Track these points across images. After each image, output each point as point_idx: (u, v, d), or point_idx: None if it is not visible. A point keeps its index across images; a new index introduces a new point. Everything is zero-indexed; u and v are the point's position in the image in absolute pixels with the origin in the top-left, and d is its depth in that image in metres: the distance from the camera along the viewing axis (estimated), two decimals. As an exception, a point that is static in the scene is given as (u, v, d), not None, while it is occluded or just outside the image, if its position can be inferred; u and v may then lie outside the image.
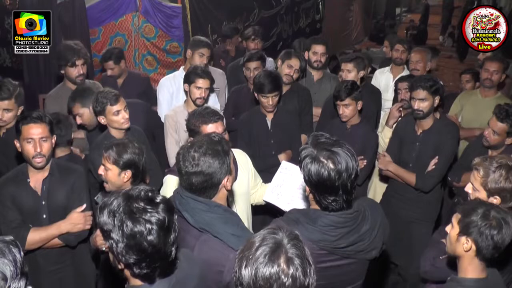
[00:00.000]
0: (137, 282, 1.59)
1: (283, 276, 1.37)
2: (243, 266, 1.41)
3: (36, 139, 2.66)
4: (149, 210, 1.50)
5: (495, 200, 2.36)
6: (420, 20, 13.70)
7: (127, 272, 1.59)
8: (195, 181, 1.97)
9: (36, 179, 2.77)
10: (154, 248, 1.49)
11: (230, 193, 2.23)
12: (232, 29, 6.24)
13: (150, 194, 1.55)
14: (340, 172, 1.88)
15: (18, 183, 2.75)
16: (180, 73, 4.32)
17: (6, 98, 3.31)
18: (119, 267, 1.56)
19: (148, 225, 1.48)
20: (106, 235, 1.51)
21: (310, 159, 1.92)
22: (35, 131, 2.66)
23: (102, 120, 3.22)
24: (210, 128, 2.68)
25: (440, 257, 2.41)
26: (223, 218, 1.98)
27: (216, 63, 5.91)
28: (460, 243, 2.01)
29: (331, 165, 1.88)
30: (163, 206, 1.53)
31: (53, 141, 2.78)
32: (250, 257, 1.41)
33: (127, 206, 1.49)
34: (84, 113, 3.48)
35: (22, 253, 1.52)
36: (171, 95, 4.24)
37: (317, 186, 1.93)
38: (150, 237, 1.48)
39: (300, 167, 1.97)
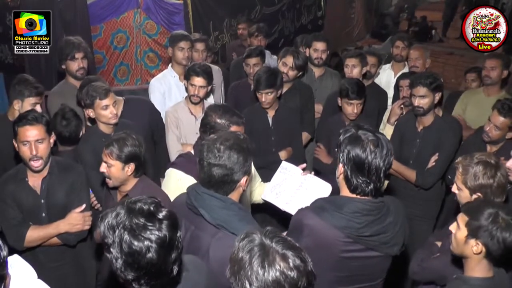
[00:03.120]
0: None
1: (288, 272, 1.38)
2: (248, 285, 1.39)
3: (31, 141, 2.64)
4: (150, 227, 1.44)
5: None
6: (421, 17, 13.64)
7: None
8: (215, 174, 1.97)
9: (35, 179, 2.77)
10: (153, 266, 1.45)
11: (243, 195, 2.22)
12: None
13: (152, 208, 1.49)
14: (377, 155, 1.95)
15: (18, 182, 2.75)
16: (169, 71, 4.32)
17: (42, 92, 3.40)
18: (120, 280, 1.53)
19: (147, 243, 1.42)
20: (107, 247, 1.48)
21: (352, 138, 2.00)
22: (31, 133, 2.63)
23: (91, 113, 3.20)
24: (238, 130, 2.64)
25: (433, 256, 2.42)
26: (238, 215, 1.99)
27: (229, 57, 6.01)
28: (469, 246, 1.99)
29: (371, 147, 1.95)
30: (167, 222, 1.47)
31: (52, 140, 2.76)
32: (249, 274, 1.39)
33: (127, 221, 1.44)
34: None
35: (4, 253, 1.48)
36: (163, 95, 4.23)
37: (352, 164, 1.98)
38: (149, 255, 1.43)
39: (339, 145, 2.04)
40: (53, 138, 2.79)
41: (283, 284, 1.37)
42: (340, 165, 2.05)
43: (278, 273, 1.37)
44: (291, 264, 1.39)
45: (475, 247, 1.97)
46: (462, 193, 2.41)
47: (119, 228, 1.44)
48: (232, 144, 1.99)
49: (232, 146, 1.98)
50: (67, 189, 2.81)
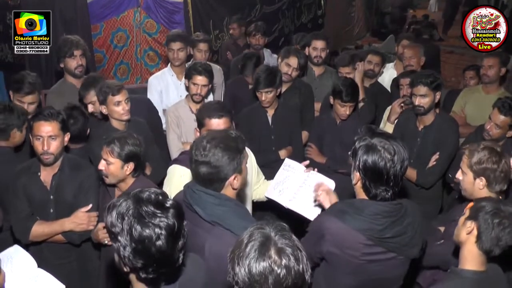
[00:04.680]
0: (142, 286, 1.58)
1: (276, 268, 1.37)
2: (236, 265, 1.41)
3: (44, 137, 2.67)
4: (159, 214, 1.46)
5: (481, 181, 2.42)
6: (423, 15, 13.65)
7: (132, 276, 1.57)
8: (201, 171, 1.99)
9: (46, 174, 2.81)
10: (162, 254, 1.47)
11: (241, 193, 2.22)
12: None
13: (160, 197, 1.52)
14: (395, 163, 1.95)
15: (30, 175, 2.79)
16: (168, 70, 4.36)
17: (30, 93, 3.40)
18: (125, 269, 1.53)
19: (157, 230, 1.45)
20: (113, 237, 1.48)
21: (366, 147, 1.99)
22: (44, 129, 2.67)
23: (104, 109, 3.26)
24: (213, 122, 2.68)
25: (437, 243, 2.46)
26: (235, 211, 1.99)
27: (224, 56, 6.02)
28: (465, 227, 2.04)
29: (388, 155, 1.95)
30: (173, 211, 1.50)
31: (66, 138, 2.79)
32: (241, 254, 1.40)
33: (136, 210, 1.46)
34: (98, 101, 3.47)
35: None
36: (160, 93, 4.25)
37: (370, 174, 1.99)
38: (158, 242, 1.45)
39: (354, 154, 2.03)
40: (68, 136, 2.81)
41: (267, 276, 1.37)
42: (357, 173, 2.05)
43: (266, 264, 1.37)
44: (283, 262, 1.38)
45: (469, 227, 2.01)
46: (466, 177, 2.48)
47: (128, 215, 1.45)
48: (218, 142, 1.99)
49: (218, 144, 1.98)
50: (76, 187, 2.83)
